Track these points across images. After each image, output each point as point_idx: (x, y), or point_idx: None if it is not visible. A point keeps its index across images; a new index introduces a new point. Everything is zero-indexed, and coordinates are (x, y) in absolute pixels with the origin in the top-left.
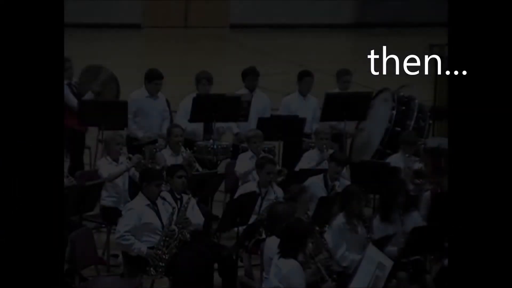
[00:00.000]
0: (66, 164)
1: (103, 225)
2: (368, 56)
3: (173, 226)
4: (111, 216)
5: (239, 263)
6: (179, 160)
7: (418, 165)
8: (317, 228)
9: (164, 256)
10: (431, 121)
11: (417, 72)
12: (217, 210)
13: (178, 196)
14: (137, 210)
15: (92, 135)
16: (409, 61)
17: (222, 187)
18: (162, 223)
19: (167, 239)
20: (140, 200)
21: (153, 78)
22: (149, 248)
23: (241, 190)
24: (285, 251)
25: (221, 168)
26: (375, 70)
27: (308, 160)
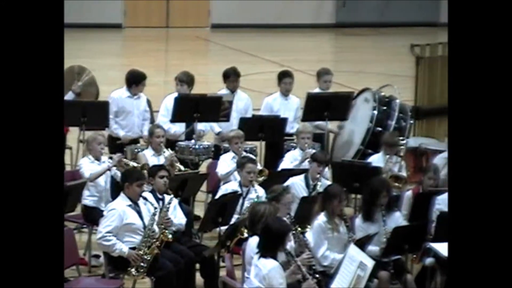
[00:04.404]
0: None
1: (85, 226)
2: (349, 56)
3: (155, 227)
4: (93, 216)
5: (221, 264)
6: (161, 160)
7: (397, 168)
8: (298, 228)
9: (145, 257)
10: (412, 121)
11: (398, 72)
12: (199, 210)
13: (160, 197)
14: (118, 210)
15: (73, 135)
16: (390, 61)
17: (203, 187)
18: (143, 223)
19: (148, 239)
20: (122, 201)
21: (140, 80)
22: (130, 248)
23: (222, 190)
24: (264, 251)
25: (202, 168)
26: (356, 70)
27: (290, 160)
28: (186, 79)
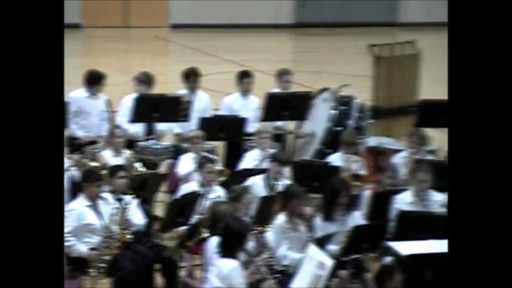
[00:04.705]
0: None
1: None
2: (309, 56)
3: (114, 227)
4: None
5: (181, 264)
6: (121, 160)
7: (356, 167)
8: (258, 227)
9: (105, 257)
10: (370, 121)
11: (357, 72)
12: (159, 210)
13: (120, 197)
14: (77, 211)
15: None
16: (348, 61)
17: (163, 187)
18: (103, 224)
19: (108, 240)
20: (81, 201)
21: (100, 80)
22: (89, 249)
23: (182, 191)
24: (224, 251)
25: (162, 169)
26: (316, 70)
27: (250, 159)
28: (145, 79)
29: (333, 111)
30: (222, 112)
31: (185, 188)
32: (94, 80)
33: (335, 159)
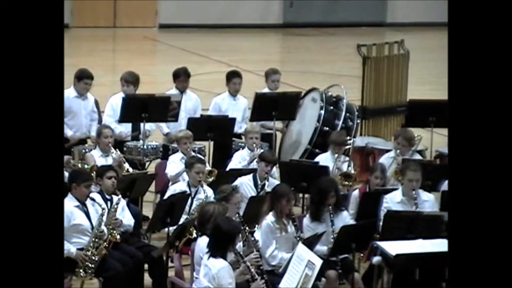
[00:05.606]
0: None
1: None
2: (297, 56)
3: (103, 227)
4: None
5: (170, 264)
6: (109, 160)
7: (345, 167)
8: (247, 227)
9: (93, 258)
10: (359, 121)
11: (345, 72)
12: (147, 210)
13: (108, 197)
14: (66, 211)
15: None
16: (336, 61)
17: (152, 187)
18: (91, 224)
19: (96, 240)
20: (69, 201)
21: (83, 78)
22: (78, 249)
23: (171, 191)
24: (214, 251)
25: (151, 169)
26: (304, 70)
27: (239, 159)
28: (132, 79)
29: (321, 111)
30: (211, 112)
31: (174, 188)
32: (77, 75)
33: (324, 159)
